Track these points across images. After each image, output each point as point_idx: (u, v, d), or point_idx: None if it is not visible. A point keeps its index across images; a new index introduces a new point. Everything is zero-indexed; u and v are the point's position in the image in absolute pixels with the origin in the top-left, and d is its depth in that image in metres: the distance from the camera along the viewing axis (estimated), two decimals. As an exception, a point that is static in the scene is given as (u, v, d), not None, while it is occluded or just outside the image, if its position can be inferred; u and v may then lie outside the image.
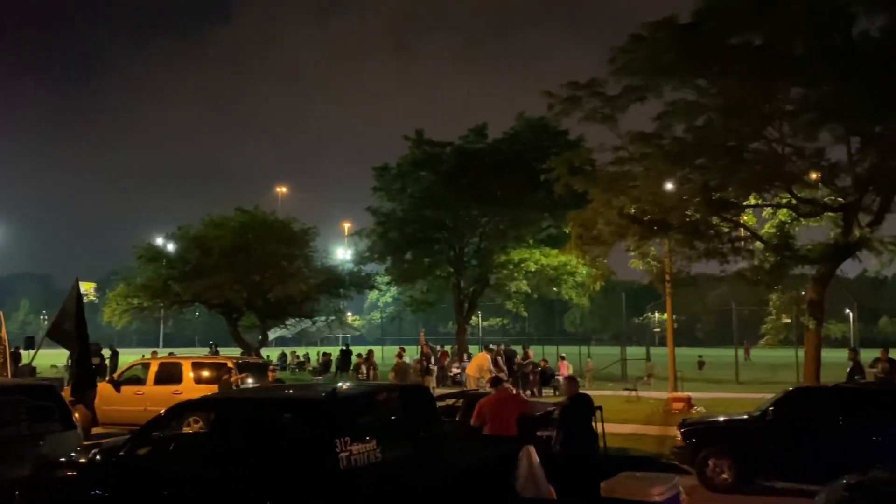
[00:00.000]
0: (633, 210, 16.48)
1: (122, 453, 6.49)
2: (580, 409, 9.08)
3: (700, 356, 34.87)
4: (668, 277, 17.57)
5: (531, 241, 31.02)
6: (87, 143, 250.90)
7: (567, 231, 28.22)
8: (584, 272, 27.33)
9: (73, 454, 7.61)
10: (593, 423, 9.04)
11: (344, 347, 35.76)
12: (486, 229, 32.12)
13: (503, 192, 29.57)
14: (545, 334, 63.24)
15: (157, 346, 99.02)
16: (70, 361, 18.75)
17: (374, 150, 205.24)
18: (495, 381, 10.42)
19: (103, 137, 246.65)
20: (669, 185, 16.53)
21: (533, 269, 29.88)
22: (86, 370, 10.74)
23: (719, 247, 15.95)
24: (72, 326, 10.32)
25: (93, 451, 6.42)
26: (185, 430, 10.52)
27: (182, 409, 6.90)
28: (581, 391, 10.39)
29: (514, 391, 21.91)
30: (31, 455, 8.19)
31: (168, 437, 6.74)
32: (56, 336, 10.68)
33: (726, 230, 16.44)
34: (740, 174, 15.80)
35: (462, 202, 30.76)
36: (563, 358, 29.03)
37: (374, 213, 32.42)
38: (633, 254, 17.98)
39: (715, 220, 16.37)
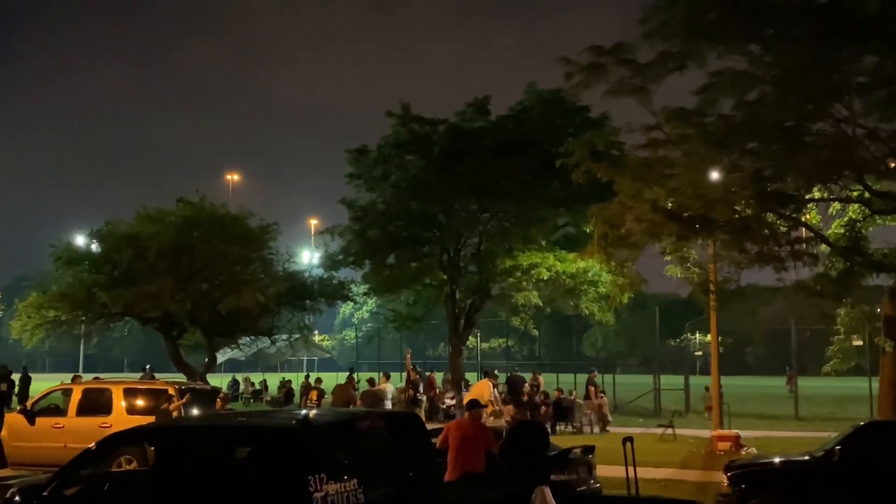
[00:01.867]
0: (669, 204, 16.66)
1: (45, 494, 6.60)
2: (526, 437, 9.51)
3: (706, 387, 34.20)
4: (712, 288, 17.75)
5: (543, 243, 30.98)
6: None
7: (588, 230, 28.45)
8: (608, 280, 27.60)
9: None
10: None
11: (349, 373, 35.52)
12: (488, 227, 32.22)
13: (508, 182, 29.69)
14: (559, 359, 63.34)
15: (77, 369, 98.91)
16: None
17: (348, 131, 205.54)
18: (470, 405, 10.74)
19: (10, 110, 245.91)
20: (714, 174, 16.73)
21: (545, 278, 29.94)
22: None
23: (775, 250, 16.14)
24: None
25: (10, 491, 6.51)
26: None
27: (119, 440, 7.00)
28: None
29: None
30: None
31: (102, 475, 6.84)
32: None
33: (784, 229, 16.65)
34: (800, 161, 15.99)
35: (458, 193, 30.82)
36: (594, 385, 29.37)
37: (350, 206, 32.44)
38: (669, 258, 18.16)
39: (770, 216, 16.57)
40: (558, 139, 28.72)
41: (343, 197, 32.88)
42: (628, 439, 7.42)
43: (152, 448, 7.37)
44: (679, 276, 19.43)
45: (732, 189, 16.32)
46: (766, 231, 16.17)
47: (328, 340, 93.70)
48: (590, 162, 18.16)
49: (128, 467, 15.37)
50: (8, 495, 6.51)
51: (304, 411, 7.37)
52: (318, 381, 32.58)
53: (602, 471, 14.01)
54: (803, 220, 17.44)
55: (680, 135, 17.45)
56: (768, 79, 16.73)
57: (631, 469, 7.34)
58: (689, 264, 17.67)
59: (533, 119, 30.38)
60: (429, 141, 30.83)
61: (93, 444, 6.86)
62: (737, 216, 16.35)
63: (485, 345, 69.09)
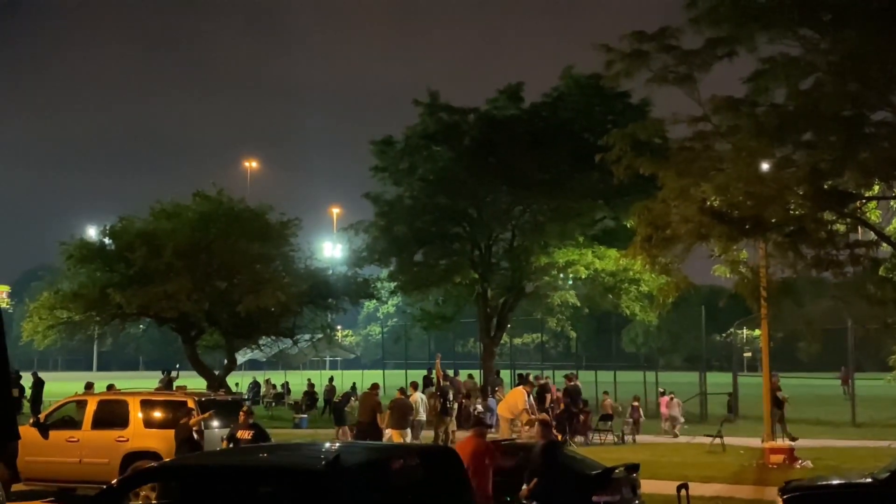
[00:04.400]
0: (717, 203, 16.43)
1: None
2: (555, 458, 10.11)
3: (730, 394, 33.51)
4: (763, 293, 17.49)
5: (581, 238, 30.84)
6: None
7: (629, 225, 28.25)
8: (650, 278, 27.39)
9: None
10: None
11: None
12: (521, 222, 32.13)
13: (543, 174, 29.57)
14: (596, 356, 63.03)
15: (90, 368, 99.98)
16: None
17: (372, 119, 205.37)
18: (476, 422, 10.90)
19: (9, 94, 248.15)
20: (766, 169, 16.47)
21: (583, 276, 29.78)
22: (6, 415, 10.78)
23: (833, 254, 15.88)
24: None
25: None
26: None
27: (142, 478, 7.01)
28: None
29: (560, 437, 22.06)
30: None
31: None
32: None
33: (842, 230, 16.37)
34: (860, 154, 15.71)
35: (489, 186, 30.76)
36: (662, 393, 29.32)
37: (375, 200, 32.54)
38: (720, 257, 17.94)
39: (827, 215, 16.30)
40: (597, 127, 28.56)
41: (367, 191, 33.00)
42: (683, 486, 7.33)
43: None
44: (728, 276, 19.16)
45: (786, 186, 16.04)
46: (823, 233, 15.90)
47: (352, 336, 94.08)
48: (632, 156, 17.89)
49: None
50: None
51: (333, 448, 7.33)
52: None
53: (644, 486, 13.87)
54: (863, 218, 17.10)
55: (729, 126, 17.17)
56: (825, 65, 16.42)
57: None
58: (741, 268, 17.41)
59: (569, 106, 30.24)
60: (458, 131, 30.79)
61: (114, 481, 6.87)
62: (792, 215, 16.09)
63: (517, 340, 68.87)
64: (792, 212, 16.19)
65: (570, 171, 29.17)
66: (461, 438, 21.76)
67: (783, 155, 16.66)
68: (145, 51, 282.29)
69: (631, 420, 26.96)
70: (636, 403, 27.31)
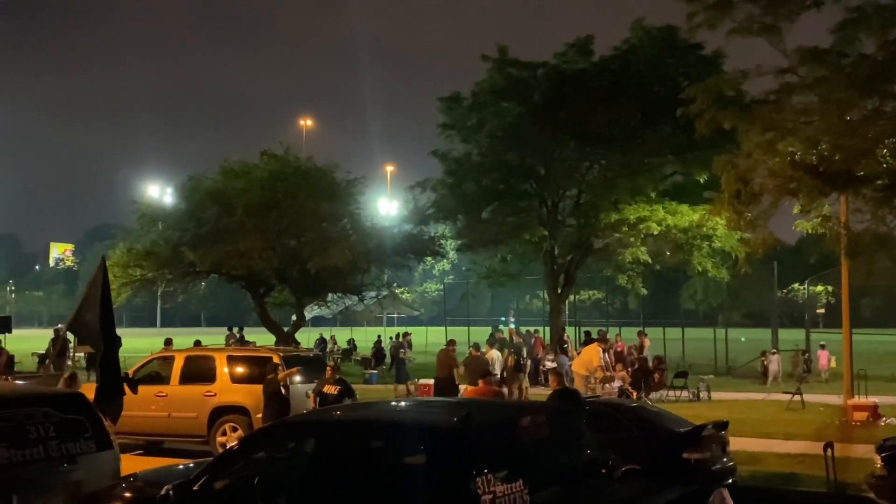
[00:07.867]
0: (808, 157, 16.04)
1: (195, 488, 6.77)
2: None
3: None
4: (843, 249, 17.15)
5: (652, 194, 30.37)
6: (49, 61, 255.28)
7: (701, 180, 27.81)
8: (724, 236, 27.07)
9: (118, 487, 7.94)
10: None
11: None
12: (588, 178, 31.82)
13: (613, 128, 29.19)
14: (654, 312, 62.44)
15: (154, 324, 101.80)
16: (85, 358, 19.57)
17: (426, 77, 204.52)
18: (484, 374, 11.12)
19: (71, 55, 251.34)
20: (858, 122, 16.02)
21: (656, 233, 29.36)
22: (112, 373, 11.31)
23: (930, 210, 15.46)
24: (96, 318, 10.81)
25: (165, 489, 6.69)
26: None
27: (262, 437, 7.10)
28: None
29: (634, 394, 22.00)
30: (62, 483, 8.62)
31: (253, 465, 6.95)
32: (77, 330, 11.26)
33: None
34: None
35: (558, 142, 30.45)
36: (822, 346, 30.18)
37: (443, 158, 32.43)
38: (804, 212, 17.60)
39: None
40: (668, 80, 28.07)
41: (435, 149, 32.88)
42: (829, 445, 7.23)
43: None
44: (809, 231, 18.82)
45: (878, 138, 15.59)
46: (920, 188, 15.46)
47: (408, 293, 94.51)
48: (714, 110, 17.51)
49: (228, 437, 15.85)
50: (163, 492, 6.70)
51: (460, 405, 7.38)
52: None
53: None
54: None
55: (816, 78, 16.71)
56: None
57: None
58: (832, 224, 17.03)
59: (640, 59, 29.67)
60: (527, 86, 30.49)
61: (237, 441, 6.98)
62: (885, 168, 15.66)
63: (576, 297, 68.48)
64: (885, 165, 15.77)
65: (641, 125, 28.79)
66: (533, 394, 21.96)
67: (875, 107, 16.19)
68: (199, 6, 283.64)
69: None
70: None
